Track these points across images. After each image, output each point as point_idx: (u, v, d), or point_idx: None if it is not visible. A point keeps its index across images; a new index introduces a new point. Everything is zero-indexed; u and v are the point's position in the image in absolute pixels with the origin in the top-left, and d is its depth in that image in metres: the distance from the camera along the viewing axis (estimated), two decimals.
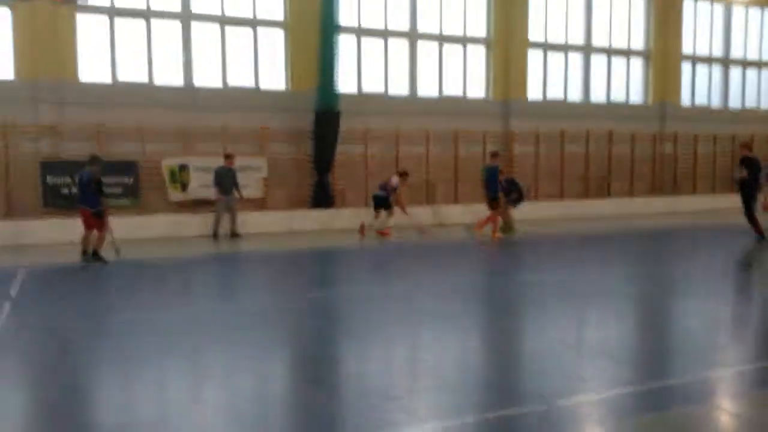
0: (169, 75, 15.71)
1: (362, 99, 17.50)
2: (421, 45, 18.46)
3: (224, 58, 16.21)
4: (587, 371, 5.47)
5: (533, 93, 20.03)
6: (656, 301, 8.61)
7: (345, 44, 17.09)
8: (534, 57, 19.95)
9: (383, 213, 15.01)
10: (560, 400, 4.70)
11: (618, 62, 21.48)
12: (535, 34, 19.83)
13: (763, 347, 6.35)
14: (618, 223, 17.64)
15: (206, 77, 16.05)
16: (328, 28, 16.06)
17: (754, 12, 23.86)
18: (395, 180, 14.97)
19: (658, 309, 8.18)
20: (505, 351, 6.44)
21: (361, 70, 17.74)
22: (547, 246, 14.14)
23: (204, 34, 15.97)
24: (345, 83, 17.03)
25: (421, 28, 18.38)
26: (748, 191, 13.23)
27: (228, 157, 14.55)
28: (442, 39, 18.69)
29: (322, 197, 16.54)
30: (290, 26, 16.66)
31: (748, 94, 24.23)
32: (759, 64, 24.30)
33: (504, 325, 7.42)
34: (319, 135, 16.22)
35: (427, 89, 18.68)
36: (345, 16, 16.86)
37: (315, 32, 16.21)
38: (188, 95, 15.72)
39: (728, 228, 15.82)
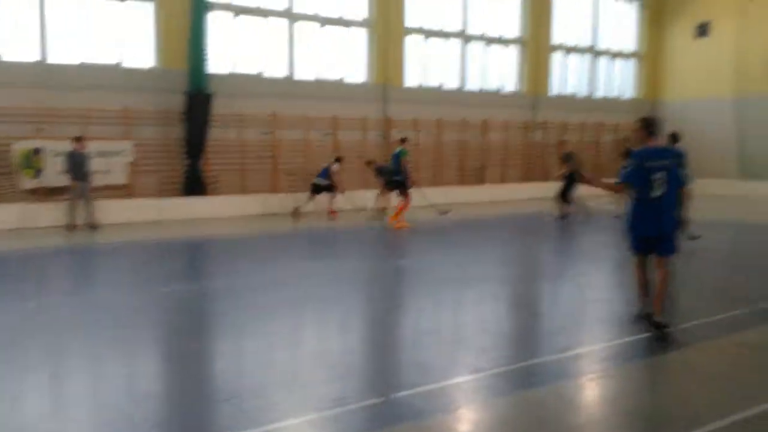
0: (21, 50, 14.40)
1: (237, 80, 16.89)
2: (300, 26, 18.06)
3: (86, 33, 15.06)
4: (435, 359, 5.50)
5: (412, 79, 20.21)
6: (514, 283, 8.89)
7: (220, 22, 16.42)
8: (413, 43, 20.09)
9: (327, 196, 15.91)
10: (401, 392, 4.68)
11: (494, 51, 22.08)
12: (413, 19, 19.95)
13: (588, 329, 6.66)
14: (492, 209, 18.21)
15: (65, 54, 14.85)
16: (198, 4, 15.33)
17: (620, 5, 25.26)
18: (336, 166, 15.89)
19: (511, 292, 8.44)
20: (362, 340, 6.37)
21: (235, 50, 17.09)
22: (429, 232, 14.28)
23: (63, 6, 14.74)
24: (219, 63, 16.39)
25: (300, 8, 17.97)
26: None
27: (78, 139, 13.48)
28: (321, 20, 18.37)
29: (195, 184, 15.86)
30: (159, 2, 15.72)
31: (614, 83, 25.73)
32: (624, 55, 25.83)
33: (366, 312, 7.37)
34: (190, 118, 15.50)
35: (306, 72, 18.34)
36: None
37: (185, 8, 15.43)
38: (43, 72, 14.48)
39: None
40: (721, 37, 23.61)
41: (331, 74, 18.75)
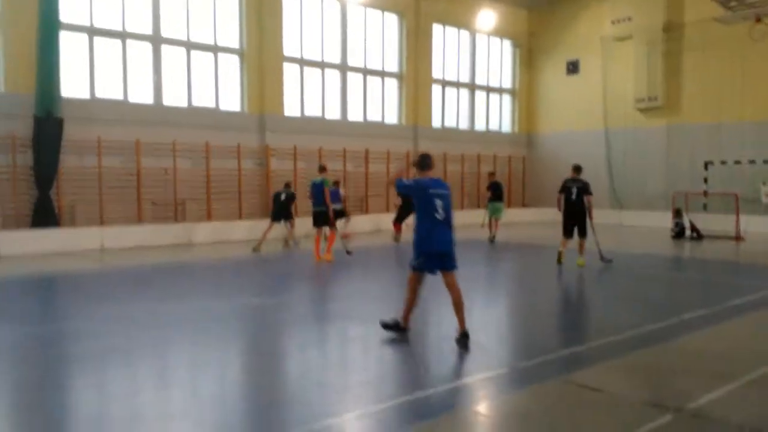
0: None
1: (96, 105, 15.80)
2: (168, 50, 17.25)
3: None
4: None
5: (291, 109, 19.80)
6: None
7: (77, 44, 15.36)
8: (291, 72, 19.74)
9: (342, 221, 15.07)
10: None
11: (374, 83, 22.12)
12: (290, 49, 19.63)
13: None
14: (376, 238, 17.89)
15: None
16: (47, 26, 14.24)
17: (495, 41, 26.19)
18: (343, 191, 15.94)
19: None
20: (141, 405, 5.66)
21: (94, 74, 16.00)
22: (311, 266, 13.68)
23: None
24: (75, 87, 15.28)
25: (167, 32, 17.18)
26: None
27: None
28: (190, 46, 17.65)
29: (45, 215, 14.50)
30: (3, 21, 14.47)
31: (493, 117, 26.50)
32: (501, 91, 26.72)
33: (167, 369, 6.64)
34: (39, 144, 14.24)
35: (176, 99, 17.49)
36: (77, 14, 15.16)
37: (33, 28, 14.28)
38: None
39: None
40: (589, 75, 24.92)
41: (204, 101, 18.00)
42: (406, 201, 15.04)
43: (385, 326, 6.82)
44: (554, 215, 23.90)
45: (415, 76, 22.90)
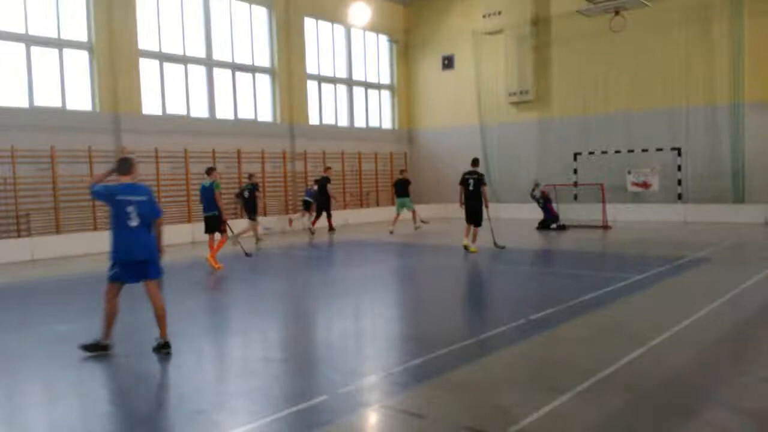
0: None
1: None
2: (3, 47, 15.47)
3: None
4: None
5: (151, 107, 18.40)
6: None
7: None
8: (150, 68, 18.34)
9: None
10: None
11: (245, 79, 21.05)
12: (147, 43, 18.22)
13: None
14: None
15: None
16: None
17: (371, 36, 25.75)
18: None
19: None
20: None
21: None
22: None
23: None
24: None
25: (2, 26, 15.40)
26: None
27: None
28: (30, 41, 15.92)
29: None
30: None
31: (373, 114, 26.06)
32: (380, 87, 26.32)
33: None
34: None
35: (15, 99, 15.73)
36: None
37: None
38: None
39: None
40: (463, 69, 25.00)
41: (48, 101, 16.32)
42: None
43: (87, 348, 6.37)
44: (440, 210, 24.15)
45: (289, 71, 22.01)
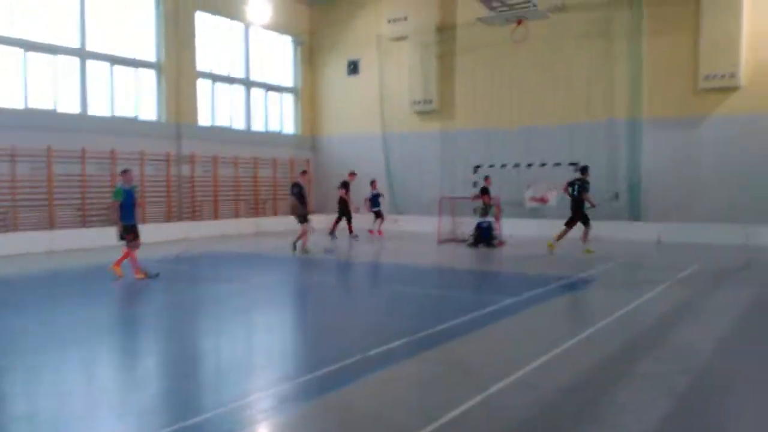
0: None
1: None
2: None
3: None
4: None
5: (10, 100, 16.44)
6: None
7: None
8: (9, 58, 16.38)
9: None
10: None
11: (125, 73, 19.29)
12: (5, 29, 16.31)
13: None
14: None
15: None
16: None
17: (273, 36, 24.42)
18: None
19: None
20: None
21: None
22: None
23: None
24: None
25: None
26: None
27: None
28: None
29: None
30: None
31: (273, 117, 24.69)
32: (281, 89, 25.00)
33: None
34: None
35: None
36: None
37: None
38: None
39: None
40: (369, 75, 24.03)
41: None
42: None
43: None
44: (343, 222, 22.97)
45: (177, 67, 20.37)
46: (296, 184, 15.78)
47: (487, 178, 18.32)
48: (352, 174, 19.85)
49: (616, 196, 16.23)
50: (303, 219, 15.24)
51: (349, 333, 7.60)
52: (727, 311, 8.60)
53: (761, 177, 17.08)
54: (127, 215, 11.27)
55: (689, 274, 11.90)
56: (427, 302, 9.60)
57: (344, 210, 19.16)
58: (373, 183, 20.27)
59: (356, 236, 18.92)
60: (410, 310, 8.97)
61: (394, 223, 21.59)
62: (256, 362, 6.58)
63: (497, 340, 7.18)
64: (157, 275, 11.19)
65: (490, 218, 17.07)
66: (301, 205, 15.30)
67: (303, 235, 15.37)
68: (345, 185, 19.32)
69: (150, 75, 20.08)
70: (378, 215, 20.14)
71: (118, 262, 11.55)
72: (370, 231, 20.00)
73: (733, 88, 17.62)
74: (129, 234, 11.29)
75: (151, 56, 20.04)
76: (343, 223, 19.07)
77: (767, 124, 17.23)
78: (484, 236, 16.91)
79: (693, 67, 18.11)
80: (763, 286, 10.80)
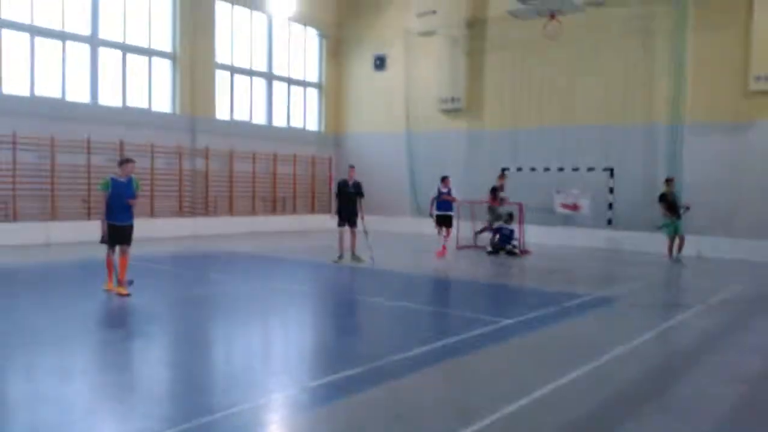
0: None
1: None
2: None
3: None
4: None
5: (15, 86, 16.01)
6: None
7: None
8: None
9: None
10: None
11: (138, 62, 18.70)
12: (13, 13, 15.84)
13: None
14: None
15: None
16: None
17: (298, 29, 23.59)
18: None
19: None
20: None
21: None
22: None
23: None
24: None
25: None
26: None
27: None
28: None
29: None
30: None
31: (297, 113, 23.87)
32: (306, 84, 24.15)
33: None
34: None
35: None
36: None
37: None
38: None
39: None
40: (395, 72, 22.95)
41: None
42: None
43: None
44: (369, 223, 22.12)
45: (193, 58, 19.71)
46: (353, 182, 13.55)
47: (501, 175, 17.00)
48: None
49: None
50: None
51: (286, 360, 6.56)
52: (760, 350, 7.24)
53: None
54: (115, 213, 9.11)
55: (726, 297, 10.45)
56: (407, 319, 8.41)
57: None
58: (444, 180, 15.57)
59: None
60: (384, 330, 7.83)
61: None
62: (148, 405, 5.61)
63: (468, 376, 5.99)
64: (131, 282, 9.49)
65: (505, 223, 15.81)
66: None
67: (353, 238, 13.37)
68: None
69: (165, 65, 19.47)
70: (442, 223, 15.16)
71: (111, 275, 9.28)
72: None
73: None
74: (111, 237, 9.13)
75: (167, 46, 19.42)
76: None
77: None
78: (502, 243, 15.66)
79: (743, 67, 16.45)
80: None
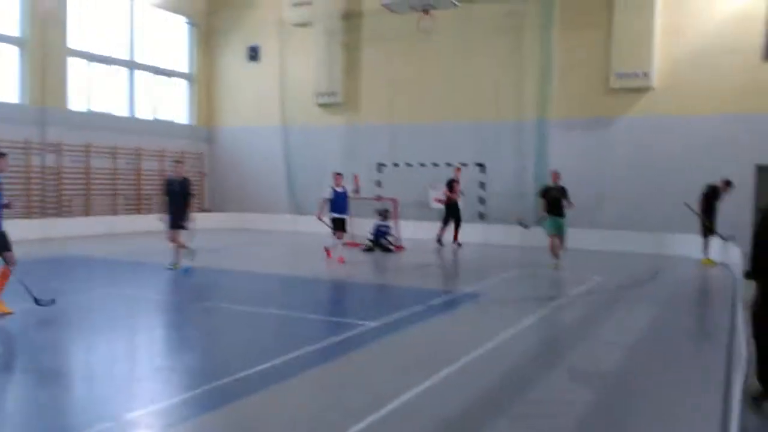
0: None
1: None
2: None
3: None
4: None
5: None
6: None
7: None
8: None
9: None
10: None
11: None
12: None
13: None
14: None
15: None
16: None
17: (165, 15, 22.12)
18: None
19: None
20: None
21: None
22: None
23: None
24: None
25: None
26: None
27: None
28: None
29: None
30: None
31: (163, 104, 22.40)
32: (175, 75, 22.75)
33: None
34: None
35: None
36: None
37: None
38: None
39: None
40: (271, 63, 22.11)
41: None
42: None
43: None
44: (241, 221, 21.19)
45: (43, 43, 17.90)
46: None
47: (458, 168, 17.11)
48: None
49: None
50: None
51: (107, 389, 5.80)
52: (616, 344, 7.29)
53: (672, 182, 16.16)
54: None
55: (588, 288, 10.66)
56: (268, 328, 7.84)
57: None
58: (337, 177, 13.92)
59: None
60: (232, 344, 7.09)
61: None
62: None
63: (318, 388, 5.53)
64: None
65: (381, 219, 15.61)
66: None
67: None
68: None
69: (12, 51, 17.56)
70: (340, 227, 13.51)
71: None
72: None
73: (645, 88, 16.73)
74: None
75: (14, 31, 17.51)
76: None
77: (680, 126, 16.40)
78: (378, 240, 15.40)
79: (605, 66, 17.14)
80: (663, 305, 9.63)
